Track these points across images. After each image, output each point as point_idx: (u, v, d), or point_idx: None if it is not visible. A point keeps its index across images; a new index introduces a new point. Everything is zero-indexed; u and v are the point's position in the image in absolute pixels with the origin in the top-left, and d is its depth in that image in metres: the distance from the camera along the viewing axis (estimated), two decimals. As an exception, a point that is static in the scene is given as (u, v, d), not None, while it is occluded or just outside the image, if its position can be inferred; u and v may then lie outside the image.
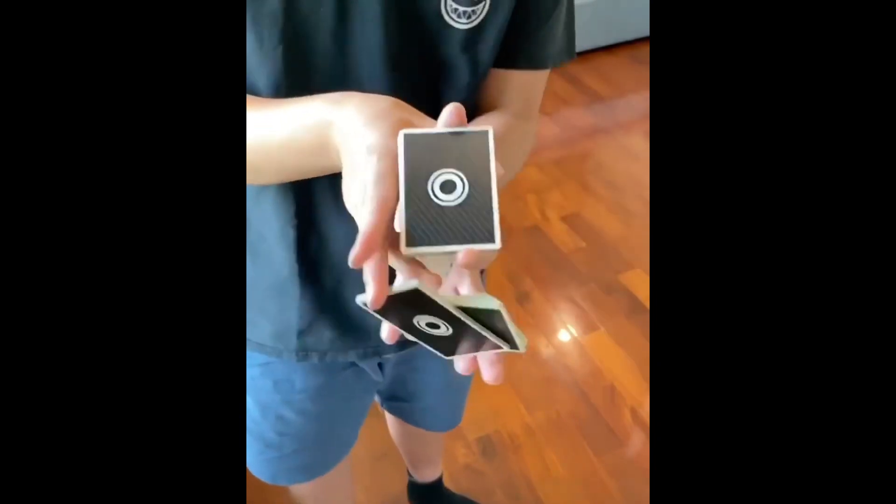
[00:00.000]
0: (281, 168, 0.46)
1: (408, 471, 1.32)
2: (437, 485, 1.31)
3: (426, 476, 1.29)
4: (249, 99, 0.48)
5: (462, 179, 0.34)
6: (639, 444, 1.43)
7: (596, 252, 1.90)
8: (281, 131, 0.43)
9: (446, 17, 0.49)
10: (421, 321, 0.35)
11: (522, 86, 0.58)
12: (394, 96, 0.53)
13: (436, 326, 0.35)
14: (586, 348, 1.65)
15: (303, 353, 0.68)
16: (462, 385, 0.98)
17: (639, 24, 2.81)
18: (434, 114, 0.55)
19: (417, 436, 1.18)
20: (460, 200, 0.34)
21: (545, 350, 1.64)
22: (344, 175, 0.39)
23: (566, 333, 1.70)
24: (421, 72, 0.52)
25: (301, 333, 0.66)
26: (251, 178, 0.49)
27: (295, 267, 0.61)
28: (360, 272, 0.60)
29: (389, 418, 1.16)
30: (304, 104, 0.43)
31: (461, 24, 0.50)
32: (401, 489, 1.35)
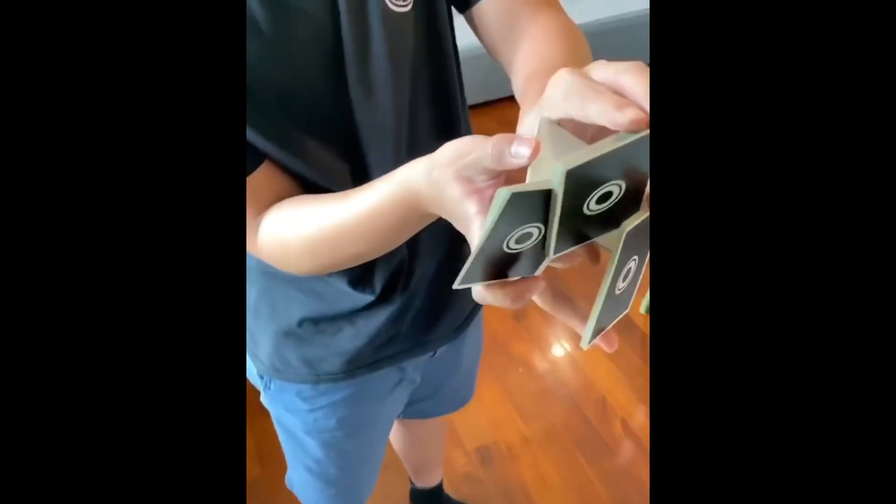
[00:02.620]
0: (369, 244, 0.44)
1: (409, 478, 1.35)
2: (438, 490, 1.34)
3: (427, 482, 1.32)
4: (316, 198, 0.47)
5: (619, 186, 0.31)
6: (629, 453, 1.46)
7: (589, 270, 1.85)
8: (364, 212, 0.42)
9: (389, 5, 0.47)
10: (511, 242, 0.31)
11: None
12: (380, 106, 0.50)
13: (527, 237, 0.31)
14: (580, 363, 1.67)
15: (375, 364, 0.70)
16: (473, 365, 0.98)
17: (628, 55, 2.76)
18: (438, 100, 0.54)
19: (419, 445, 1.22)
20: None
21: (540, 364, 1.67)
22: (457, 227, 0.37)
23: (560, 348, 1.72)
24: (392, 74, 0.50)
25: (377, 349, 0.68)
26: (337, 264, 0.48)
27: (370, 307, 0.63)
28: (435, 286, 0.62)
29: (394, 430, 1.18)
30: (376, 185, 0.41)
31: (402, 7, 0.48)
32: (403, 494, 1.39)
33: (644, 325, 1.75)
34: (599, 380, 1.62)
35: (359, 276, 0.61)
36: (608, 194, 0.30)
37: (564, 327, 1.79)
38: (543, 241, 0.32)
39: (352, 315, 0.65)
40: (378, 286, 0.62)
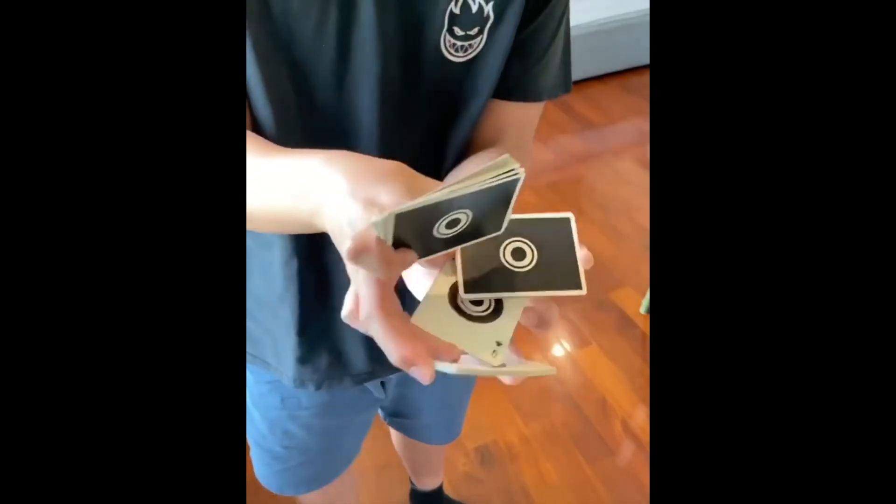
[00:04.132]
0: (268, 217, 0.41)
1: (410, 479, 1.35)
2: (438, 492, 1.34)
3: (427, 484, 1.32)
4: (249, 137, 0.45)
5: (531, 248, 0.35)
6: (629, 453, 1.46)
7: (588, 271, 1.88)
8: (272, 182, 0.39)
9: (444, 52, 0.50)
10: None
11: (518, 118, 0.58)
12: (389, 133, 0.52)
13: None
14: (579, 362, 1.68)
15: (299, 381, 0.69)
16: (460, 402, 1.01)
17: (628, 54, 2.89)
18: (434, 150, 0.57)
19: (419, 448, 1.21)
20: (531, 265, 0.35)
21: (540, 364, 1.71)
22: (334, 240, 0.35)
23: (560, 348, 1.73)
24: (418, 107, 0.53)
25: (298, 360, 0.68)
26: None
27: (297, 297, 0.62)
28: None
29: (393, 431, 1.18)
30: (300, 157, 0.38)
31: (458, 58, 0.50)
32: (403, 496, 1.39)
33: (644, 325, 1.75)
34: (599, 380, 1.63)
35: (287, 259, 0.60)
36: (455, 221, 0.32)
37: (564, 327, 1.79)
38: (456, 239, 0.33)
39: (283, 313, 0.65)
40: (301, 270, 0.61)
